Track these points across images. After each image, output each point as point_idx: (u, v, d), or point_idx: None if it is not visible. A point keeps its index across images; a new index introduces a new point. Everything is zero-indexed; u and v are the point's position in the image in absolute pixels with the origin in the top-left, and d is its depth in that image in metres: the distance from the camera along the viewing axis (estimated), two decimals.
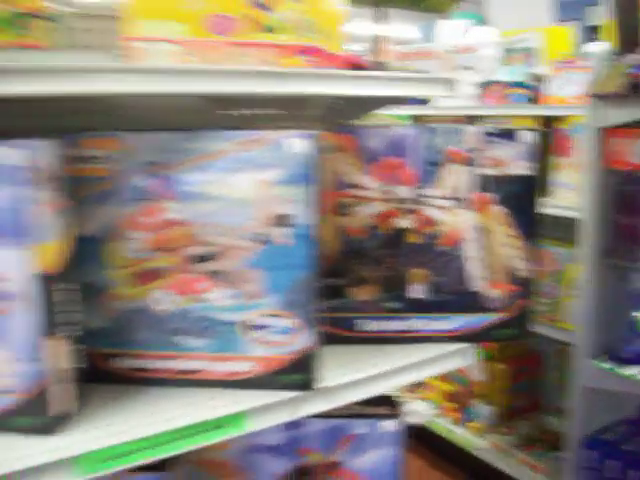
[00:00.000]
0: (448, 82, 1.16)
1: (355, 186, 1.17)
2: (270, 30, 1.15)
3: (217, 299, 0.97)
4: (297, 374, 1.00)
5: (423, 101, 3.10)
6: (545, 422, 2.92)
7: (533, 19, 3.58)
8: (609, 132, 1.97)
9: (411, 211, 1.18)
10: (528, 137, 1.16)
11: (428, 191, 1.17)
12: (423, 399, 3.16)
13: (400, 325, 1.20)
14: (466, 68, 3.27)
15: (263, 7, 1.15)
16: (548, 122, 2.71)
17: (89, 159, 0.95)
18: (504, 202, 1.16)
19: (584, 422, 2.17)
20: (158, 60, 1.06)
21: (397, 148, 1.17)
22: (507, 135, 1.17)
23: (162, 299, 0.99)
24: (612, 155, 1.98)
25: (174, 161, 0.95)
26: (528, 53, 3.07)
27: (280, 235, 0.96)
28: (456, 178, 1.17)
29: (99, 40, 1.09)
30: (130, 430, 0.91)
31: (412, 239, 1.19)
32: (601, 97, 1.99)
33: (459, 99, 3.05)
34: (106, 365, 1.01)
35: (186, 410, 0.96)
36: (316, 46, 1.17)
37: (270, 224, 0.96)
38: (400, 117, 3.27)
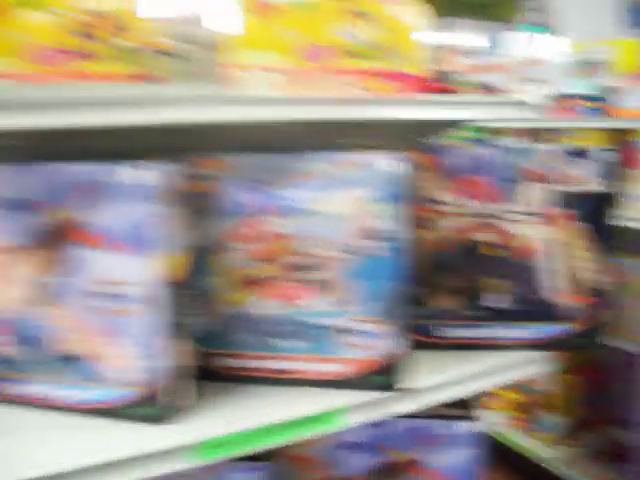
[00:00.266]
0: (526, 104, 1.23)
1: (437, 202, 1.25)
2: (358, 56, 1.25)
3: (313, 305, 1.07)
4: (385, 376, 1.09)
5: None
6: (613, 434, 2.92)
7: (602, 28, 3.59)
8: None
9: (489, 225, 1.26)
10: (602, 155, 1.22)
11: (505, 206, 1.25)
12: (491, 409, 3.19)
13: (479, 332, 1.27)
14: (534, 81, 3.30)
15: (351, 36, 1.25)
16: (619, 135, 2.73)
17: (201, 177, 1.06)
18: (580, 217, 1.23)
19: None
20: (258, 87, 1.16)
21: (476, 166, 1.25)
22: (581, 153, 1.23)
23: (262, 305, 1.09)
24: None
25: (276, 179, 1.05)
26: (599, 65, 3.09)
27: (372, 248, 1.05)
28: (532, 194, 1.25)
29: (204, 69, 1.20)
30: (237, 422, 1.01)
31: (490, 251, 1.27)
32: None
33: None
34: (212, 364, 1.12)
35: (285, 406, 1.06)
36: (400, 71, 1.26)
37: (363, 237, 1.05)
38: (466, 128, 3.32)
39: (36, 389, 1.04)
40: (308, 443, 1.25)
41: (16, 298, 1.03)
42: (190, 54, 1.19)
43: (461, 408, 1.29)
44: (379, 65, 1.25)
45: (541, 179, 1.23)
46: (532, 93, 3.07)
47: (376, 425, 1.25)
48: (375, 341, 1.07)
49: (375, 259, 1.05)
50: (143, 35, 1.17)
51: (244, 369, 1.12)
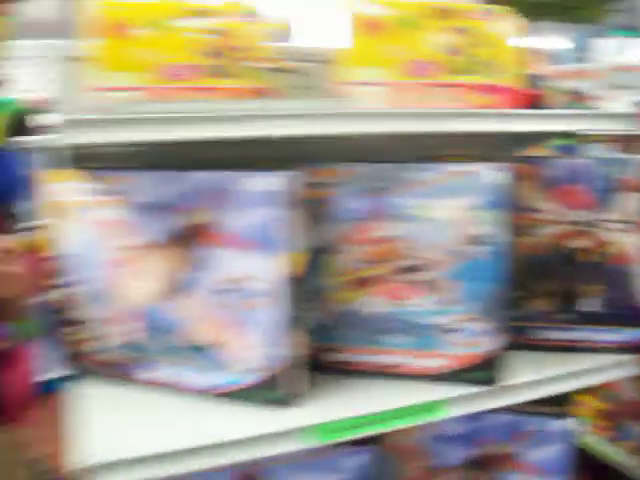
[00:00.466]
0: (621, 116, 1.29)
1: (535, 210, 1.32)
2: (460, 72, 1.33)
3: (419, 304, 1.16)
4: (484, 372, 1.17)
5: None
6: None
7: None
8: None
9: (585, 232, 1.32)
10: None
11: (601, 215, 1.31)
12: (576, 416, 3.20)
13: (572, 335, 1.34)
14: (624, 87, 3.29)
15: (454, 51, 1.33)
16: None
17: (318, 185, 1.16)
18: None
19: None
20: (366, 102, 1.26)
21: (573, 176, 1.31)
22: None
23: (372, 303, 1.18)
24: None
25: (387, 187, 1.14)
26: None
27: (474, 252, 1.13)
28: (628, 203, 1.30)
29: (318, 85, 1.30)
30: (349, 409, 1.10)
31: (585, 257, 1.33)
32: None
33: None
34: (323, 357, 1.22)
35: (391, 397, 1.15)
36: (499, 84, 1.34)
37: (466, 242, 1.13)
38: (555, 134, 3.33)
39: (165, 374, 1.16)
40: (408, 433, 1.34)
41: (150, 291, 1.15)
42: (305, 71, 1.30)
43: (554, 406, 1.35)
44: (478, 79, 1.33)
45: (637, 189, 1.29)
46: (623, 101, 3.07)
47: (473, 418, 1.32)
48: (476, 339, 1.15)
49: (477, 262, 1.13)
50: (264, 54, 1.28)
51: (353, 362, 1.22)
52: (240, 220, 1.08)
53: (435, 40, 1.31)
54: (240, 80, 1.27)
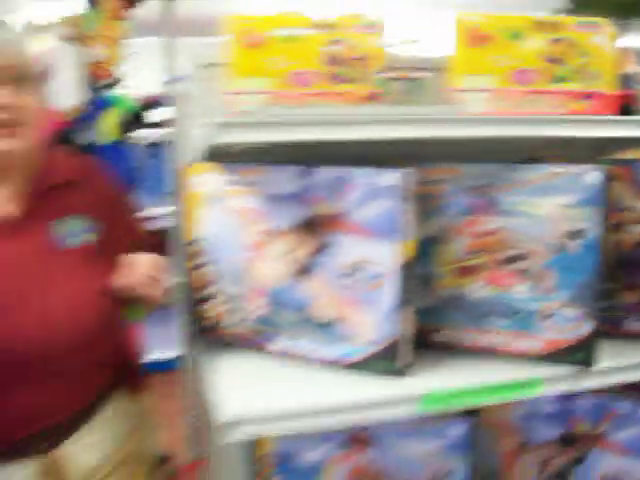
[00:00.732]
0: None
1: (628, 208, 1.42)
2: (561, 79, 1.44)
3: (520, 291, 1.28)
4: (578, 354, 1.28)
5: None
6: None
7: None
8: None
9: None
10: None
11: None
12: None
13: None
14: None
15: (556, 61, 1.44)
16: None
17: (432, 181, 1.30)
18: None
19: None
20: (475, 107, 1.39)
21: None
22: None
23: (476, 288, 1.31)
24: None
25: (493, 185, 1.27)
26: None
27: (572, 245, 1.25)
28: None
29: (431, 92, 1.44)
30: (453, 381, 1.24)
31: None
32: None
33: None
34: (430, 336, 1.36)
35: (492, 373, 1.28)
36: (596, 91, 1.44)
37: (564, 236, 1.25)
38: None
39: (292, 346, 1.32)
40: (504, 410, 1.46)
41: (279, 272, 1.31)
42: (418, 78, 1.44)
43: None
44: (577, 86, 1.44)
45: None
46: None
47: (566, 398, 1.44)
48: (571, 324, 1.27)
49: (573, 255, 1.25)
50: (381, 63, 1.42)
51: (457, 342, 1.35)
52: (360, 211, 1.22)
53: (537, 50, 1.42)
54: (359, 86, 1.42)
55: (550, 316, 1.27)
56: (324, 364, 1.29)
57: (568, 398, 1.43)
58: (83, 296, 1.28)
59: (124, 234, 1.42)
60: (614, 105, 1.43)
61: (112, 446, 1.40)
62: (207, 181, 1.36)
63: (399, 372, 1.24)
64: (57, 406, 1.30)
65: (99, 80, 2.71)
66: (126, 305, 1.39)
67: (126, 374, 1.48)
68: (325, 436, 1.40)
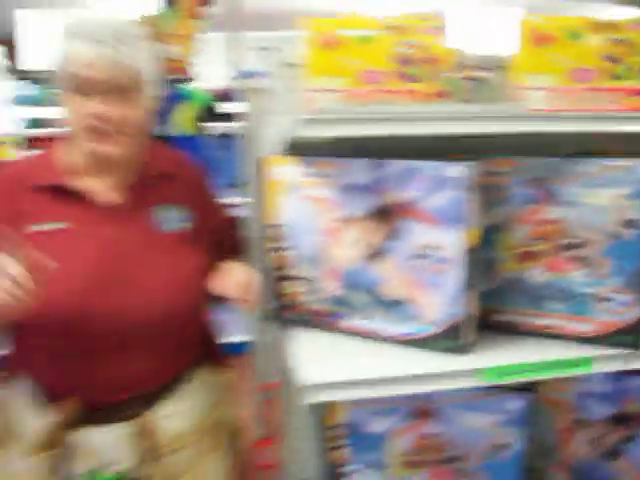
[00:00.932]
0: None
1: None
2: (618, 77, 1.52)
3: (576, 277, 1.38)
4: (628, 336, 1.37)
5: None
6: None
7: None
8: None
9: None
10: None
11: None
12: None
13: None
14: None
15: (614, 60, 1.52)
16: None
17: (495, 174, 1.41)
18: None
19: None
20: (536, 104, 1.48)
21: None
22: None
23: (536, 274, 1.41)
24: None
25: (554, 177, 1.37)
26: None
27: (627, 234, 1.34)
28: None
29: (497, 90, 1.54)
30: (512, 357, 1.35)
31: None
32: None
33: None
34: (491, 317, 1.47)
35: (548, 351, 1.38)
36: None
37: (619, 225, 1.34)
38: None
39: (363, 323, 1.44)
40: (559, 388, 1.56)
41: (352, 255, 1.43)
42: (484, 77, 1.54)
43: None
44: (634, 83, 1.52)
45: None
46: None
47: (618, 379, 1.53)
48: (623, 307, 1.36)
49: (627, 243, 1.34)
50: (449, 62, 1.52)
51: (515, 323, 1.45)
52: (429, 200, 1.34)
53: (595, 49, 1.51)
54: (427, 85, 1.52)
55: (604, 300, 1.37)
56: (393, 341, 1.41)
57: (620, 378, 1.52)
58: (179, 278, 1.43)
59: (213, 221, 1.57)
60: None
61: (197, 415, 1.55)
62: (286, 172, 1.49)
63: (462, 350, 1.36)
64: (150, 375, 1.45)
65: (174, 75, 2.86)
66: (214, 301, 1.54)
67: (209, 351, 1.62)
68: (391, 408, 1.52)
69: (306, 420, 1.71)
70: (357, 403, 1.52)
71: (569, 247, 1.38)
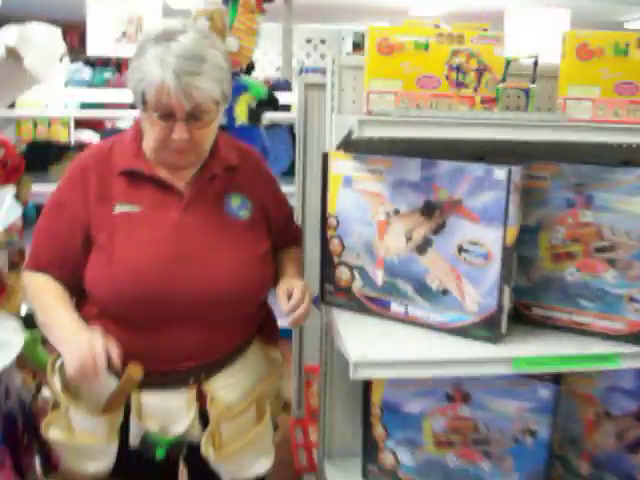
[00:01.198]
0: None
1: None
2: None
3: (608, 277, 1.48)
4: None
5: None
6: None
7: None
8: None
9: None
10: None
11: None
12: None
13: None
14: None
15: None
16: None
17: (535, 177, 1.51)
18: None
19: None
20: (580, 114, 1.58)
21: None
22: None
23: (570, 273, 1.52)
24: None
25: (591, 184, 1.47)
26: None
27: None
28: None
29: (540, 98, 1.64)
30: (542, 349, 1.46)
31: None
32: None
33: None
34: (525, 311, 1.58)
35: (577, 345, 1.48)
36: None
37: None
38: None
39: (405, 310, 1.56)
40: (586, 382, 1.66)
41: (400, 247, 1.55)
42: (532, 88, 1.64)
43: None
44: None
45: None
46: None
47: None
48: None
49: None
50: (498, 71, 1.62)
51: (548, 317, 1.56)
52: (473, 199, 1.45)
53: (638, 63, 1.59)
54: (477, 91, 1.63)
55: (633, 301, 1.47)
56: (433, 328, 1.53)
57: None
58: (245, 261, 1.56)
59: (274, 211, 1.70)
60: None
61: (248, 387, 1.68)
62: (342, 166, 1.61)
63: (496, 339, 1.47)
64: (211, 348, 1.59)
65: (234, 68, 2.99)
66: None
67: (264, 328, 1.75)
68: (427, 391, 1.64)
69: (347, 400, 1.85)
70: (396, 384, 1.64)
71: (602, 250, 1.48)
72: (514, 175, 1.41)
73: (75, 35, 6.70)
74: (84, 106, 4.77)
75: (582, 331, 1.53)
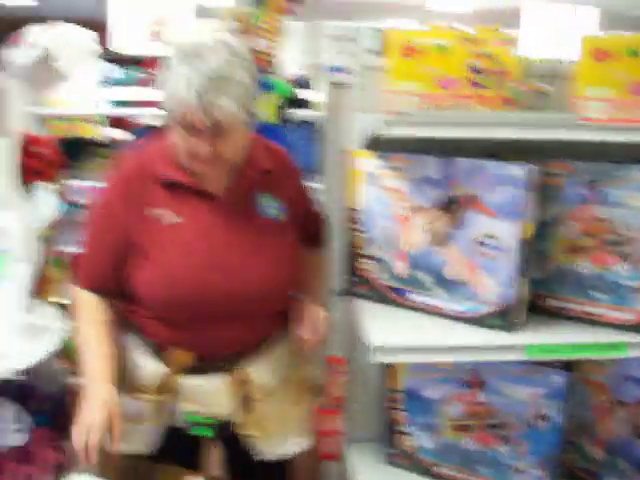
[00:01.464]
0: None
1: None
2: None
3: (619, 270, 1.55)
4: None
5: None
6: None
7: None
8: None
9: None
10: None
11: None
12: None
13: None
14: None
15: None
16: None
17: (551, 175, 1.59)
18: None
19: None
20: (595, 115, 1.65)
21: None
22: None
23: (583, 266, 1.60)
24: None
25: (604, 181, 1.55)
26: None
27: None
28: None
29: (557, 100, 1.72)
30: (555, 337, 1.54)
31: None
32: None
33: None
34: (539, 302, 1.65)
35: (588, 334, 1.56)
36: None
37: None
38: None
39: (425, 300, 1.65)
40: (598, 370, 1.74)
41: (419, 240, 1.63)
42: (548, 89, 1.72)
43: None
44: None
45: None
46: None
47: None
48: None
49: None
50: (515, 73, 1.70)
51: (561, 308, 1.64)
52: (491, 195, 1.53)
53: None
54: (495, 92, 1.71)
55: None
56: (452, 317, 1.61)
57: None
58: (275, 262, 1.66)
59: (303, 212, 1.79)
60: None
61: (280, 372, 1.79)
62: (365, 163, 1.70)
63: (511, 328, 1.55)
64: (246, 338, 1.70)
65: (261, 68, 3.08)
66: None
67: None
68: (445, 377, 1.72)
69: (370, 389, 1.94)
70: (417, 372, 1.73)
71: (614, 243, 1.55)
72: (531, 172, 1.49)
73: (104, 34, 6.81)
74: (119, 105, 4.88)
75: (593, 321, 1.60)
